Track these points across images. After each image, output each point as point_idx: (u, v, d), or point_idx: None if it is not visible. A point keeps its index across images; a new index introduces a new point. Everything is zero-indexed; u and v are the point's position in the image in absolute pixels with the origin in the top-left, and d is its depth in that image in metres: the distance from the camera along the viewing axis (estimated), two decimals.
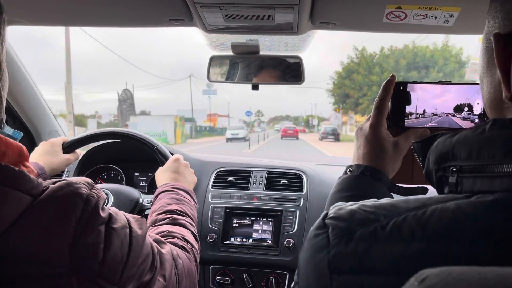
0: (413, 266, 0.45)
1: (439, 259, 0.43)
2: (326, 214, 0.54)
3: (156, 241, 0.82)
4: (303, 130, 75.50)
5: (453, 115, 0.81)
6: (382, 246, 0.47)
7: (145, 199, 1.41)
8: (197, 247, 1.01)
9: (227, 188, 1.59)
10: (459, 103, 0.80)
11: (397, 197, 0.76)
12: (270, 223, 1.48)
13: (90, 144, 1.59)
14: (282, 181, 1.59)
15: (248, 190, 1.57)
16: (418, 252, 0.45)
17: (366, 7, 1.02)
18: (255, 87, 1.50)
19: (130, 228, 0.67)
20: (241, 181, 1.61)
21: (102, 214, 0.61)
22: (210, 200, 1.55)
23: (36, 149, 1.39)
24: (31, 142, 1.82)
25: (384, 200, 0.53)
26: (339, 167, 1.84)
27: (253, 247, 1.45)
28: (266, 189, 1.57)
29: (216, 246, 1.46)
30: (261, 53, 1.43)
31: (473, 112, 0.80)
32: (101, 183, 1.68)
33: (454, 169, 0.52)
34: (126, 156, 1.74)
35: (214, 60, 1.48)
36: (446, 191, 0.55)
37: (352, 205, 0.53)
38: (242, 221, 1.50)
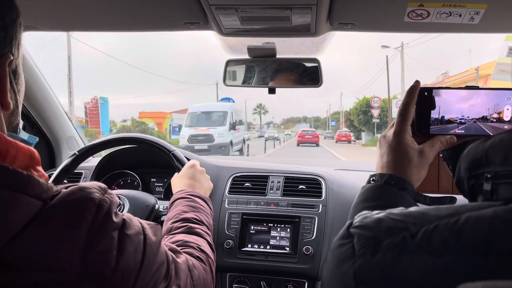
0: (446, 279, 0.41)
1: (475, 272, 0.40)
2: (351, 223, 0.51)
3: (171, 250, 0.79)
4: (346, 137, 36.58)
5: (481, 121, 0.77)
6: (411, 257, 0.43)
7: (161, 205, 1.40)
8: (213, 257, 0.99)
9: (243, 194, 1.56)
10: (486, 109, 0.77)
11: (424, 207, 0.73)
12: (288, 230, 1.45)
13: (106, 150, 1.58)
14: (300, 187, 1.55)
15: (265, 195, 1.54)
16: (451, 264, 0.41)
17: (387, 6, 0.99)
18: (271, 90, 1.47)
19: (145, 234, 0.64)
20: (258, 186, 1.58)
21: (115, 219, 0.59)
22: (226, 206, 1.52)
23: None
24: (48, 148, 1.83)
25: (413, 208, 0.50)
26: (358, 172, 1.80)
27: (271, 254, 1.42)
28: (284, 194, 1.54)
29: (233, 253, 1.43)
30: (278, 56, 1.40)
31: (503, 118, 0.76)
32: (116, 189, 1.67)
33: (489, 176, 0.49)
34: (143, 161, 1.73)
35: (230, 64, 1.46)
36: (479, 200, 0.51)
37: (378, 214, 0.50)
38: (259, 228, 1.47)
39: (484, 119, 0.77)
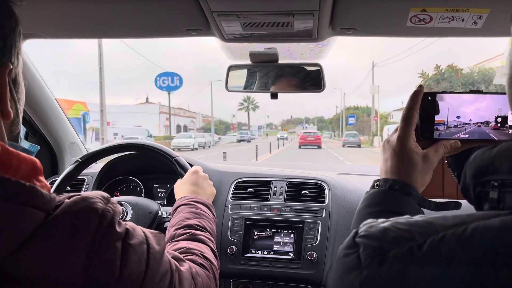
0: None
1: (483, 284, 0.39)
2: (356, 232, 0.50)
3: (175, 258, 0.79)
4: None
5: (485, 126, 0.76)
6: (418, 268, 0.43)
7: (164, 211, 1.39)
8: (216, 264, 0.98)
9: (246, 199, 1.55)
10: (491, 113, 0.76)
11: (428, 213, 0.72)
12: (292, 235, 1.44)
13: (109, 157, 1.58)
14: (303, 192, 1.55)
15: (268, 201, 1.54)
16: (459, 275, 0.41)
17: (389, 11, 0.99)
18: (274, 95, 1.47)
19: (148, 244, 0.64)
20: (261, 192, 1.58)
21: (119, 229, 0.59)
22: (229, 211, 1.52)
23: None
24: (51, 155, 1.83)
25: (419, 217, 0.49)
26: (361, 176, 1.79)
27: (274, 260, 1.41)
28: (287, 200, 1.53)
29: (237, 259, 1.43)
30: (280, 61, 1.40)
31: (507, 123, 0.75)
32: (118, 196, 1.67)
33: (496, 184, 0.48)
34: (146, 167, 1.73)
35: (232, 69, 1.46)
36: (486, 208, 0.50)
37: (384, 222, 0.50)
38: (262, 233, 1.46)
39: (488, 123, 0.76)
